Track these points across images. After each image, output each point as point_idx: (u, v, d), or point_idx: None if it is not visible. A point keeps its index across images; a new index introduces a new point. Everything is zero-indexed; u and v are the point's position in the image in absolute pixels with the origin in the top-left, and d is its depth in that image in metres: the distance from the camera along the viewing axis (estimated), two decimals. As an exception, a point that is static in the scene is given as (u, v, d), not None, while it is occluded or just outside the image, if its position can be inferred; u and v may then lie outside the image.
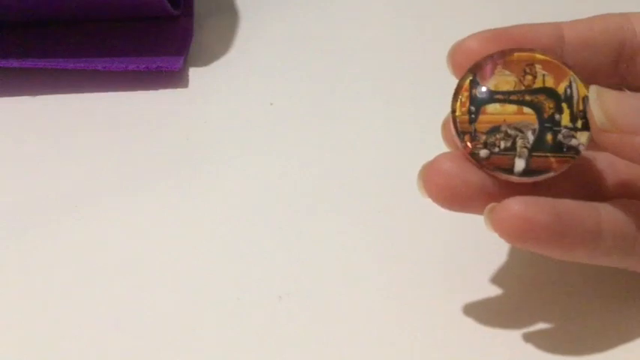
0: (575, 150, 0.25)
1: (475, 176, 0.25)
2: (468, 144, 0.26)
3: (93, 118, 0.38)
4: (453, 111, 0.26)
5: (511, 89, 0.26)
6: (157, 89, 0.39)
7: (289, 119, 0.38)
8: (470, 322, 0.28)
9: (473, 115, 0.26)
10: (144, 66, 0.39)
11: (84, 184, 0.34)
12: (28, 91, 0.39)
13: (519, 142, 0.25)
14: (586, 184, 0.27)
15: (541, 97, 0.26)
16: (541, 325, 0.28)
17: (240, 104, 0.39)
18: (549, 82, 0.26)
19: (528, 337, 0.28)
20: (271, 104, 0.39)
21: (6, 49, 0.40)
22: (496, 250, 0.31)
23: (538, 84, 0.26)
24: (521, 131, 0.25)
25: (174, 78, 0.40)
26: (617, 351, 0.27)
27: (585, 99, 0.25)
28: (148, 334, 0.28)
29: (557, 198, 0.24)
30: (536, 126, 0.25)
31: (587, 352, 0.27)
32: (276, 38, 0.43)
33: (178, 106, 0.39)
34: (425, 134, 0.37)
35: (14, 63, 0.39)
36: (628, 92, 0.25)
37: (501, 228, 0.24)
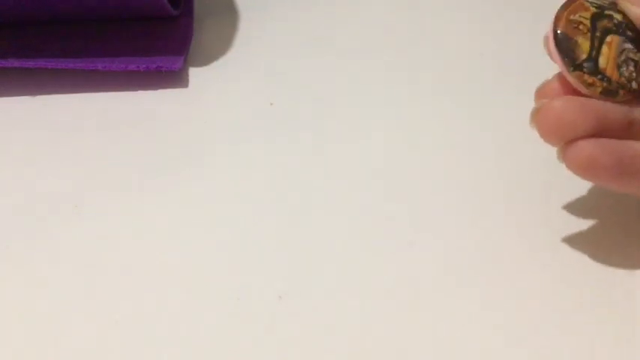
0: None
1: (581, 119, 0.28)
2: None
3: (93, 118, 0.38)
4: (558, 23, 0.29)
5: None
6: (156, 89, 0.39)
7: (289, 119, 0.38)
8: (470, 322, 0.28)
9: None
10: (144, 66, 0.39)
11: (84, 184, 0.34)
12: (28, 91, 0.39)
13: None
14: None
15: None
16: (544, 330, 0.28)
17: (240, 104, 0.39)
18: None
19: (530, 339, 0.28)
20: (271, 104, 0.39)
21: (6, 49, 0.40)
22: (497, 250, 0.31)
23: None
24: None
25: (174, 78, 0.40)
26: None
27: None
28: (147, 334, 0.28)
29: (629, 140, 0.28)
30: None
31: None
32: (276, 38, 0.43)
33: (178, 106, 0.39)
34: (425, 133, 0.37)
35: (14, 63, 0.39)
36: None
37: (571, 164, 0.28)
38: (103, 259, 0.31)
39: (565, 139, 0.28)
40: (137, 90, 0.39)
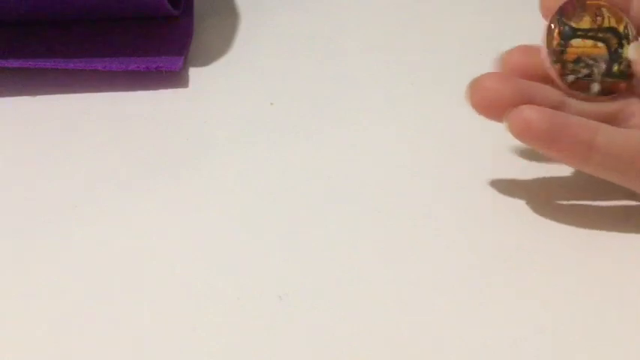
0: (633, 75, 0.32)
1: (508, 91, 0.31)
2: (558, 69, 0.32)
3: (93, 118, 0.38)
4: (548, 44, 0.32)
5: (588, 27, 0.32)
6: (157, 89, 0.39)
7: (289, 119, 0.38)
8: (470, 323, 0.28)
9: (563, 48, 0.32)
10: (144, 66, 0.39)
11: (84, 184, 0.34)
12: (28, 91, 0.39)
13: (595, 70, 0.32)
14: None
15: (609, 35, 0.32)
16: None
17: (240, 104, 0.39)
18: (613, 23, 0.32)
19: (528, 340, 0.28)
20: (271, 104, 0.39)
21: (6, 49, 0.40)
22: (497, 250, 0.31)
23: (605, 24, 0.32)
24: (596, 61, 0.32)
25: (174, 78, 0.40)
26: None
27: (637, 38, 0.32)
28: (147, 334, 0.28)
29: (571, 114, 0.31)
30: (607, 57, 0.32)
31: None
32: (276, 38, 0.43)
33: (178, 106, 0.39)
34: (425, 133, 0.37)
35: (14, 63, 0.39)
36: None
37: (511, 127, 0.30)
38: (102, 259, 0.31)
39: (491, 112, 0.31)
40: (137, 90, 0.39)
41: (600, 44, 0.32)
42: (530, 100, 0.31)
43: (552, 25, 0.32)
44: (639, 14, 0.33)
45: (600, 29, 0.32)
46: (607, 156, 0.30)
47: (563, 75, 0.32)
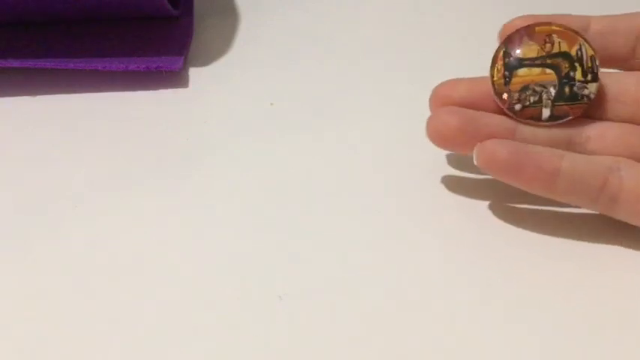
0: (587, 97, 0.32)
1: (454, 122, 0.31)
2: (505, 99, 0.32)
3: (93, 118, 0.38)
4: (492, 76, 0.32)
5: (535, 55, 0.32)
6: (157, 89, 0.39)
7: (289, 119, 0.38)
8: (470, 323, 0.28)
9: (507, 79, 0.32)
10: (144, 66, 0.39)
11: (84, 183, 0.34)
12: (28, 91, 0.39)
13: (544, 95, 0.32)
14: None
15: (559, 60, 0.32)
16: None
17: (240, 104, 0.39)
18: (564, 47, 0.32)
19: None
20: (271, 104, 0.39)
21: (6, 49, 0.40)
22: (498, 250, 0.31)
23: (555, 49, 0.32)
24: (545, 87, 0.32)
25: (174, 78, 0.40)
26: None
27: (593, 59, 0.32)
28: (147, 334, 0.28)
29: (535, 145, 0.31)
30: (556, 82, 0.32)
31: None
32: (276, 38, 0.43)
33: (178, 106, 0.39)
34: (425, 132, 0.37)
35: (14, 63, 0.39)
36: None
37: (477, 159, 0.31)
38: (102, 259, 0.31)
39: (445, 143, 0.32)
40: (137, 90, 0.39)
41: (549, 70, 0.32)
42: (482, 129, 0.31)
43: (497, 57, 0.33)
44: (595, 37, 0.33)
45: (549, 55, 0.32)
46: (573, 183, 0.30)
47: (510, 104, 0.32)
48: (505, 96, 0.32)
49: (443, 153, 0.35)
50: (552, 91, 0.32)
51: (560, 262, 0.31)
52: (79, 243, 0.32)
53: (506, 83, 0.32)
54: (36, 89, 0.39)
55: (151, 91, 0.39)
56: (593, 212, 0.32)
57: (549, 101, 0.32)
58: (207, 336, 0.28)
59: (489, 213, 0.33)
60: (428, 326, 0.28)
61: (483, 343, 0.28)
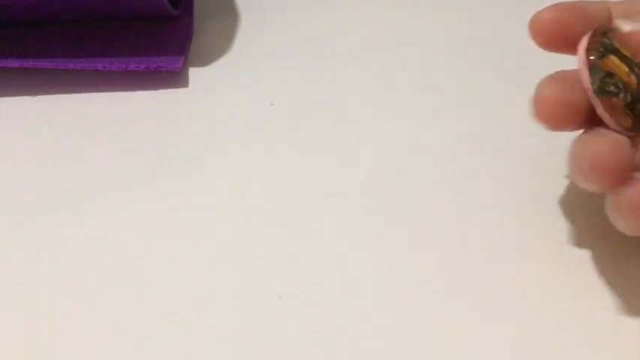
0: None
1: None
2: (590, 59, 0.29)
3: (93, 118, 0.38)
4: (588, 49, 0.29)
5: (627, 54, 0.30)
6: (157, 89, 0.39)
7: (289, 119, 0.38)
8: (470, 323, 0.28)
9: (602, 55, 0.29)
10: (144, 66, 0.39)
11: (84, 184, 0.34)
12: (28, 91, 0.39)
13: (621, 95, 0.29)
14: None
15: None
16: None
17: (240, 104, 0.39)
18: None
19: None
20: (271, 104, 0.39)
21: (6, 49, 0.40)
22: (498, 250, 0.31)
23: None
24: (625, 89, 0.29)
25: (174, 78, 0.40)
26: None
27: None
28: (147, 334, 0.28)
29: None
30: (636, 92, 0.29)
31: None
32: (276, 38, 0.43)
33: (178, 106, 0.39)
34: (426, 133, 0.37)
35: (14, 63, 0.39)
36: None
37: (623, 212, 0.27)
38: (102, 260, 0.31)
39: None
40: (137, 90, 0.39)
41: (633, 76, 0.30)
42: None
43: (597, 32, 0.30)
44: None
45: (636, 63, 0.30)
46: None
47: (591, 64, 0.29)
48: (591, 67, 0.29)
49: (443, 153, 0.35)
50: (628, 97, 0.29)
51: (560, 262, 0.31)
52: (79, 243, 0.32)
53: (600, 57, 0.29)
54: (36, 89, 0.39)
55: (151, 91, 0.39)
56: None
57: (622, 103, 0.29)
58: (207, 336, 0.28)
59: (489, 213, 0.33)
60: (428, 326, 0.28)
61: (483, 343, 0.28)
